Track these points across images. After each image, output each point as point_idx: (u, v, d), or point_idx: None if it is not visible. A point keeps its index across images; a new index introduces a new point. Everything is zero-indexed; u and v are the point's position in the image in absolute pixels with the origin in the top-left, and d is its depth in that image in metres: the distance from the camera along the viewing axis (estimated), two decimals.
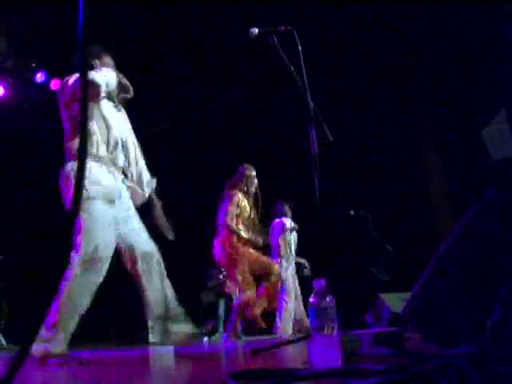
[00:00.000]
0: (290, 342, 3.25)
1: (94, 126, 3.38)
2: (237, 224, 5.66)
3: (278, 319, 7.41)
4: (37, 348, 2.93)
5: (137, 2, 6.84)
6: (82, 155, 1.03)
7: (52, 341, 3.01)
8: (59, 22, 7.03)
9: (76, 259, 3.12)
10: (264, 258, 5.79)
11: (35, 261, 8.23)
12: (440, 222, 8.94)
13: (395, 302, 5.47)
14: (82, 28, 0.99)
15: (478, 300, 1.71)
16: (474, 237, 1.77)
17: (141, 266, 3.40)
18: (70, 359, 3.04)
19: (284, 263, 7.48)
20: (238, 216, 5.68)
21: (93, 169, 3.29)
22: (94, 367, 3.07)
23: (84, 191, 3.16)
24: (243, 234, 5.62)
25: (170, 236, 3.78)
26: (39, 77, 8.23)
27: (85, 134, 1.05)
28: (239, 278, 5.55)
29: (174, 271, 3.59)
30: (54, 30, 7.37)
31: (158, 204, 3.77)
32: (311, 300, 2.00)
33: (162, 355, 3.54)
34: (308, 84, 2.86)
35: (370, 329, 5.35)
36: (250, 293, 5.56)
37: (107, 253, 3.24)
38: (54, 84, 8.30)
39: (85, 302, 3.15)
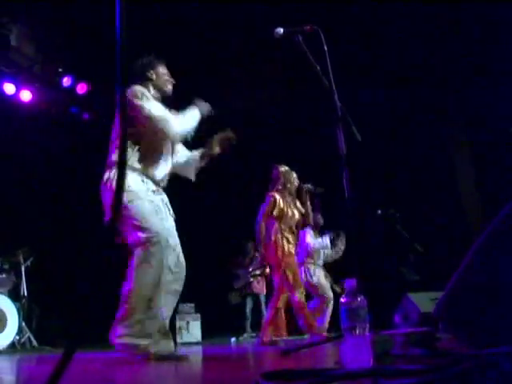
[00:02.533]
0: (322, 342, 3.24)
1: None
2: (280, 226, 5.65)
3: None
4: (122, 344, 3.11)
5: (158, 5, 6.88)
6: (122, 162, 1.04)
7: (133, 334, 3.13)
8: (85, 27, 7.12)
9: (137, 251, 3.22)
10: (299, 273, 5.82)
11: (67, 262, 8.34)
12: (470, 220, 8.82)
13: (424, 301, 5.41)
14: (120, 36, 1.00)
15: None
16: (509, 235, 1.74)
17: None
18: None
19: (311, 268, 7.44)
20: (278, 218, 5.67)
21: (129, 179, 3.33)
22: (124, 367, 3.09)
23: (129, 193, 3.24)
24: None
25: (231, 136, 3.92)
26: (66, 81, 8.34)
27: (124, 147, 1.06)
28: (291, 277, 5.51)
29: (201, 273, 3.60)
30: (81, 35, 7.46)
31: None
32: (342, 300, 1.99)
33: (191, 356, 3.54)
34: (336, 84, 2.85)
35: (398, 329, 5.30)
36: (302, 290, 5.60)
37: (164, 240, 3.28)
38: (81, 88, 8.39)
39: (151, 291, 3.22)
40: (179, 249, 3.44)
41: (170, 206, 3.57)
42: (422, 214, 8.37)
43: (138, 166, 3.41)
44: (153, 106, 3.37)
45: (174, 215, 3.57)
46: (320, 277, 7.43)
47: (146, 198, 3.34)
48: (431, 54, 8.32)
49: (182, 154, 3.87)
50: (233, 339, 8.37)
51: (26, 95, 8.21)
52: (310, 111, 8.36)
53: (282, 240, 5.62)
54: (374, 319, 2.13)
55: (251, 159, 9.67)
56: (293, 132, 9.29)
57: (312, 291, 7.23)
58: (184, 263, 3.46)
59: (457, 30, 7.69)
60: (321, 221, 7.66)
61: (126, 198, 3.23)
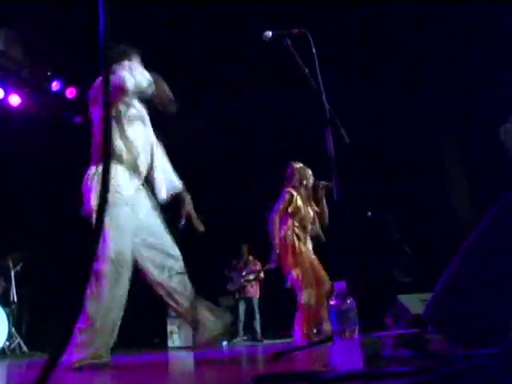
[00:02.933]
0: (312, 344, 3.24)
1: (118, 132, 3.35)
2: (293, 223, 5.59)
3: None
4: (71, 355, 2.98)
5: (153, 5, 6.88)
6: (107, 155, 1.04)
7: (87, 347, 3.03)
8: (74, 31, 7.10)
9: (102, 268, 3.11)
10: (319, 268, 5.64)
11: (56, 268, 8.30)
12: (460, 222, 8.86)
13: (414, 303, 5.43)
14: (103, 29, 0.99)
15: (502, 300, 1.70)
16: (497, 236, 1.75)
17: (161, 274, 3.38)
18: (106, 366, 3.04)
19: None
20: (293, 214, 5.61)
21: (116, 173, 3.25)
22: (114, 373, 3.08)
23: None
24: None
25: (201, 228, 3.77)
26: (55, 85, 8.31)
27: (108, 134, 1.06)
28: (299, 275, 5.43)
29: (193, 275, 3.58)
30: (69, 39, 7.43)
31: (187, 198, 3.73)
32: (332, 302, 1.99)
33: (183, 360, 3.53)
34: (324, 86, 2.86)
35: (390, 331, 5.31)
36: (310, 291, 5.43)
37: (129, 259, 3.21)
38: (70, 92, 8.37)
39: (118, 313, 3.16)
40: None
41: (153, 206, 3.52)
42: (412, 216, 8.40)
43: (125, 155, 3.33)
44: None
45: (157, 209, 3.51)
46: None
47: (128, 204, 3.27)
48: (422, 54, 8.37)
49: (164, 166, 3.69)
50: (224, 343, 8.36)
51: (14, 99, 8.18)
52: (299, 114, 8.38)
53: (293, 237, 5.54)
54: (364, 321, 2.13)
55: (246, 162, 9.69)
56: (282, 134, 9.31)
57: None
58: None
59: (450, 30, 7.73)
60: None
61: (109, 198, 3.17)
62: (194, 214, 3.73)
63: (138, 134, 3.44)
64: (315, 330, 6.26)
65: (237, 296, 9.53)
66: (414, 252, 6.95)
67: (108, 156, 1.05)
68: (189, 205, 3.73)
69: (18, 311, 7.26)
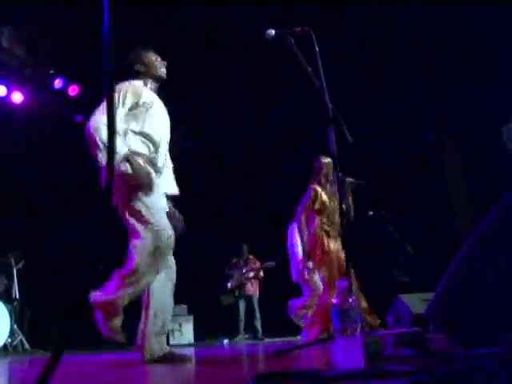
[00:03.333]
0: (313, 343, 3.25)
1: (140, 126, 3.39)
2: (321, 220, 5.52)
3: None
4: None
5: (151, 5, 6.88)
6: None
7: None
8: (77, 29, 7.10)
9: (141, 251, 3.16)
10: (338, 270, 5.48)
11: (58, 265, 8.32)
12: (461, 221, 8.87)
13: (416, 302, 5.43)
14: (107, 32, 1.00)
15: (503, 300, 1.70)
16: (498, 237, 1.75)
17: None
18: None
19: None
20: (320, 211, 5.54)
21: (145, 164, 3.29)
22: (114, 369, 3.09)
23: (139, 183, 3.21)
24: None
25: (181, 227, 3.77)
26: (57, 83, 8.31)
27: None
28: (326, 276, 5.39)
29: (194, 274, 3.59)
30: (72, 37, 7.44)
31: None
32: (334, 301, 1.99)
33: (183, 357, 3.53)
34: (327, 85, 2.86)
35: (392, 330, 5.31)
36: (332, 295, 5.26)
37: (171, 241, 3.27)
38: (72, 90, 8.37)
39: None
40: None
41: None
42: (412, 216, 8.40)
43: (142, 150, 3.36)
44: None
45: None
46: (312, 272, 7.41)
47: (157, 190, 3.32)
48: (424, 53, 8.38)
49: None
50: (225, 341, 8.37)
51: (17, 97, 8.19)
52: (301, 112, 8.38)
53: (321, 234, 5.48)
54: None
55: (247, 161, 9.69)
56: (284, 133, 9.31)
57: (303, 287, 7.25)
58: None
59: (445, 29, 7.73)
60: None
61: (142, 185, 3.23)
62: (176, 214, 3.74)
63: (158, 129, 3.48)
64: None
65: (237, 294, 9.54)
66: (415, 251, 6.95)
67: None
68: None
69: (20, 308, 7.28)
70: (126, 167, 3.17)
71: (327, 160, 5.71)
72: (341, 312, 1.96)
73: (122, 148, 3.19)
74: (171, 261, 3.36)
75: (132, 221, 3.23)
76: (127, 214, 3.26)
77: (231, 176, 9.76)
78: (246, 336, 9.38)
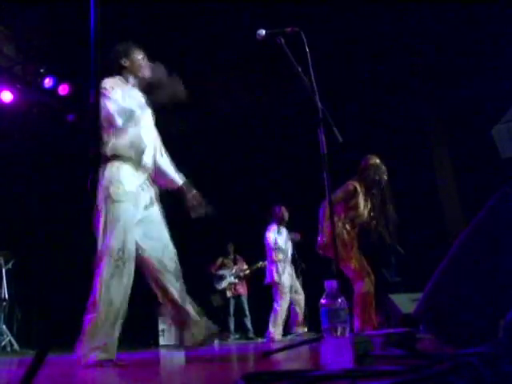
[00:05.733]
0: (302, 343, 3.25)
1: (122, 130, 3.37)
2: (345, 217, 5.29)
3: (270, 324, 7.42)
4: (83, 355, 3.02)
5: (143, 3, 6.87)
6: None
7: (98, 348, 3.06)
8: (67, 28, 7.07)
9: (105, 261, 3.15)
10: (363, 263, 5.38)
11: (48, 265, 8.28)
12: (450, 221, 8.90)
13: (405, 302, 5.45)
14: (94, 29, 1.00)
15: (491, 299, 1.71)
16: (486, 236, 1.76)
17: (158, 267, 3.41)
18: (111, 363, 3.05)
19: (279, 268, 7.48)
20: (350, 209, 5.30)
21: (119, 171, 3.31)
22: (106, 370, 3.07)
23: (108, 192, 3.23)
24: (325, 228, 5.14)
25: (210, 211, 3.78)
26: (47, 82, 8.28)
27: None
28: (356, 266, 5.19)
29: (182, 274, 3.59)
30: (63, 36, 7.41)
31: (189, 190, 3.76)
32: (323, 301, 1.99)
33: (173, 358, 3.53)
34: (317, 85, 2.86)
35: (381, 330, 5.32)
36: (369, 279, 5.22)
37: (132, 253, 3.25)
38: (62, 89, 8.34)
39: (121, 305, 3.18)
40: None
41: (154, 201, 3.54)
42: (402, 216, 8.41)
43: (128, 152, 3.36)
44: (113, 99, 3.29)
45: (159, 208, 3.55)
46: (284, 276, 7.45)
47: (131, 200, 3.31)
48: (416, 53, 8.39)
49: (164, 161, 3.76)
50: (216, 341, 8.36)
51: (7, 96, 8.15)
52: (291, 113, 8.39)
53: (343, 230, 5.25)
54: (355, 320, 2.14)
55: (233, 161, 9.68)
56: (274, 134, 9.31)
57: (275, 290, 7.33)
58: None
59: (439, 28, 7.76)
60: (286, 215, 7.69)
61: (112, 194, 3.23)
62: (199, 201, 3.76)
63: (143, 131, 3.48)
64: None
65: (228, 295, 9.54)
66: (405, 251, 6.97)
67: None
68: (191, 195, 3.76)
69: (10, 309, 7.24)
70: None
71: (375, 161, 5.52)
72: (330, 312, 1.96)
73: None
74: None
75: None
76: None
77: (217, 174, 9.74)
78: (237, 336, 9.38)
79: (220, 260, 9.70)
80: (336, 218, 5.18)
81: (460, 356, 1.27)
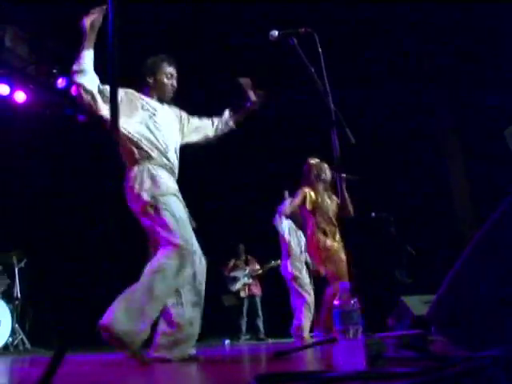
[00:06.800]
0: (315, 344, 3.24)
1: (144, 130, 3.43)
2: (317, 219, 5.50)
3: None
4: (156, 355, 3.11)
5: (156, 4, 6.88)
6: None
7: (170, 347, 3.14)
8: (80, 28, 7.10)
9: (169, 255, 3.18)
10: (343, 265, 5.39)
11: (60, 264, 8.32)
12: (463, 223, 8.86)
13: (417, 304, 5.43)
14: (112, 27, 1.00)
15: (505, 302, 1.70)
16: (501, 238, 1.75)
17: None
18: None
19: (297, 263, 7.41)
20: (314, 211, 5.53)
21: (158, 173, 3.35)
22: (114, 369, 3.09)
23: (159, 190, 3.26)
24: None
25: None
26: (60, 82, 8.31)
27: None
28: (334, 270, 5.32)
29: None
30: (75, 37, 7.44)
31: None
32: (335, 303, 1.99)
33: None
34: (330, 86, 2.86)
35: (393, 332, 5.30)
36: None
37: (194, 246, 3.29)
38: (75, 90, 8.37)
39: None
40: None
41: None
42: (415, 217, 8.39)
43: (159, 158, 3.40)
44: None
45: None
46: (301, 273, 7.41)
47: (173, 195, 3.34)
48: (424, 53, 8.37)
49: (205, 125, 3.92)
50: (227, 341, 8.37)
51: (20, 96, 8.19)
52: (304, 114, 8.37)
53: (318, 234, 5.45)
54: (367, 322, 2.13)
55: (241, 162, 9.68)
56: (287, 135, 9.30)
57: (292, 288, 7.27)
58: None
59: (447, 27, 7.73)
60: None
61: (157, 192, 3.26)
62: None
63: (166, 136, 3.52)
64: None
65: (243, 295, 9.54)
66: (417, 253, 6.95)
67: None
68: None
69: (22, 307, 7.28)
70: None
71: (315, 161, 5.79)
72: (342, 314, 1.96)
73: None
74: None
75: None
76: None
77: (228, 176, 9.74)
78: (248, 336, 9.39)
79: (232, 262, 9.70)
80: (310, 226, 5.50)
81: (474, 359, 1.27)
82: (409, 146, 8.85)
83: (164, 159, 3.43)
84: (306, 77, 2.96)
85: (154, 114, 3.50)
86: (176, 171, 3.57)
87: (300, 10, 6.58)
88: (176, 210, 3.27)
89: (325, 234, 5.49)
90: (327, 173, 5.75)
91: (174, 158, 3.57)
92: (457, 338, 1.92)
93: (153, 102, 3.58)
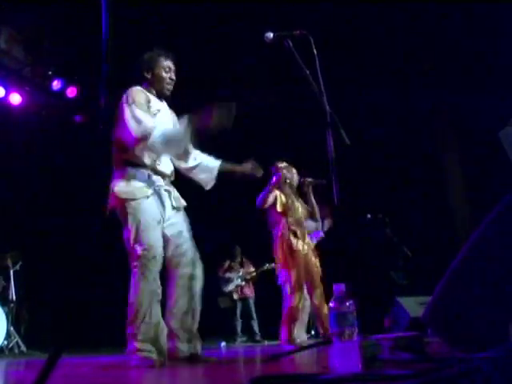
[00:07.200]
0: (310, 347, 3.24)
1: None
2: (287, 221, 5.55)
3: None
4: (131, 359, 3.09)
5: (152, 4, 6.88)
6: None
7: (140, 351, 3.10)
8: (75, 30, 7.10)
9: (136, 263, 3.21)
10: (313, 271, 5.61)
11: (56, 267, 8.30)
12: (458, 224, 8.88)
13: (413, 306, 5.44)
14: (105, 31, 1.00)
15: (500, 303, 1.70)
16: (496, 240, 1.75)
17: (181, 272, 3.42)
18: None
19: None
20: (284, 213, 5.58)
21: (136, 176, 3.36)
22: (111, 372, 3.08)
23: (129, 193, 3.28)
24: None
25: (259, 173, 3.94)
26: (56, 84, 8.31)
27: None
28: (293, 278, 5.37)
29: None
30: (71, 38, 7.44)
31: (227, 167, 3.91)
32: (331, 305, 1.99)
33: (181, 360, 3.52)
34: (325, 88, 2.86)
35: (389, 333, 5.31)
36: (299, 295, 5.41)
37: (158, 251, 3.29)
38: (71, 91, 8.37)
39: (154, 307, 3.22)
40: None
41: (175, 200, 3.55)
42: (411, 219, 8.40)
43: (147, 161, 3.40)
44: (137, 113, 3.28)
45: (180, 206, 3.58)
46: None
47: (144, 194, 3.33)
48: (422, 56, 8.38)
49: (197, 157, 3.81)
50: (223, 343, 8.36)
51: (15, 98, 8.18)
52: (299, 116, 8.38)
53: (289, 235, 5.50)
54: (362, 323, 2.13)
55: (240, 163, 9.66)
56: (282, 137, 9.30)
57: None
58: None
59: (447, 31, 7.74)
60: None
61: (124, 194, 3.28)
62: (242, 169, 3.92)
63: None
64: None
65: (235, 297, 9.54)
66: (413, 254, 6.96)
67: None
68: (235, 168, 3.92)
69: (17, 310, 7.25)
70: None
71: (283, 164, 5.86)
72: (338, 315, 1.95)
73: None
74: None
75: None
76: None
77: (224, 177, 9.73)
78: (244, 338, 9.38)
79: (227, 263, 9.69)
80: (281, 227, 5.56)
81: (470, 360, 1.27)
82: (404, 146, 8.86)
83: (150, 161, 3.45)
84: (301, 78, 2.96)
85: (155, 114, 3.48)
86: (167, 171, 3.57)
87: (295, 12, 6.57)
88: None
89: (295, 235, 5.55)
90: (294, 177, 5.85)
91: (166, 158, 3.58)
92: (453, 339, 1.93)
93: (156, 101, 3.57)
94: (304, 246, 5.56)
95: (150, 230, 3.28)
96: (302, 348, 3.22)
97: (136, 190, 3.31)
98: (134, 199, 3.28)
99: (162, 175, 3.50)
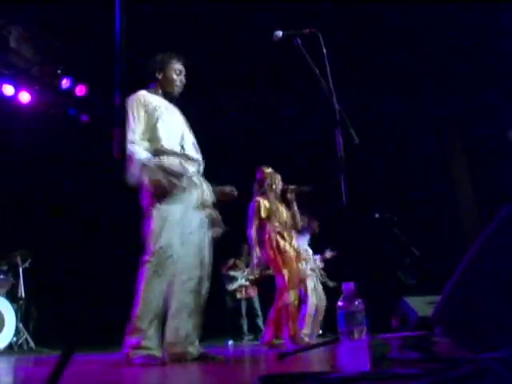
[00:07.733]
0: (318, 345, 3.24)
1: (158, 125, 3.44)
2: (273, 225, 5.59)
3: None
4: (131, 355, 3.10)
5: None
6: None
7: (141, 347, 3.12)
8: (84, 29, 7.12)
9: (148, 260, 3.23)
10: (297, 270, 5.70)
11: (65, 264, 8.33)
12: (467, 223, 8.84)
13: (421, 305, 5.42)
14: (119, 31, 1.00)
15: (510, 303, 1.69)
16: (505, 239, 1.74)
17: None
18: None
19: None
20: (268, 218, 5.61)
21: (169, 160, 3.37)
22: (114, 369, 3.09)
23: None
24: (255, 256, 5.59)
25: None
26: (65, 83, 8.33)
27: None
28: (287, 276, 5.43)
29: None
30: (80, 37, 7.46)
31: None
32: (340, 304, 1.99)
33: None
34: (334, 86, 2.85)
35: (396, 333, 5.30)
36: (294, 293, 5.48)
37: (175, 251, 3.29)
38: (80, 90, 8.39)
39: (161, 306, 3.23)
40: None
41: (207, 193, 3.62)
42: (418, 218, 8.37)
43: (177, 148, 3.44)
44: (133, 124, 3.35)
45: (209, 203, 3.64)
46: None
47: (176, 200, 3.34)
48: (428, 58, 8.34)
49: None
50: (230, 342, 8.37)
51: (24, 97, 8.21)
52: (309, 114, 8.37)
53: (276, 236, 5.55)
54: (371, 323, 2.13)
55: (245, 162, 9.67)
56: (291, 136, 9.29)
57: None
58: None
59: (453, 35, 7.70)
60: (315, 225, 7.65)
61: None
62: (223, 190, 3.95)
63: (174, 130, 3.54)
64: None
65: (239, 296, 9.55)
66: (421, 253, 6.93)
67: None
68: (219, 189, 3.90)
69: (26, 307, 7.29)
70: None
71: (269, 170, 5.91)
72: (347, 314, 1.96)
73: (141, 153, 3.27)
74: None
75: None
76: None
77: (233, 175, 9.74)
78: (251, 337, 9.39)
79: (232, 261, 9.68)
80: (267, 231, 5.59)
81: (479, 361, 1.27)
82: (413, 146, 8.84)
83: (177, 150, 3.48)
84: (310, 77, 2.96)
85: (157, 111, 3.51)
86: (195, 156, 3.64)
87: (305, 10, 6.56)
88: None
89: (282, 237, 5.60)
90: (278, 184, 5.88)
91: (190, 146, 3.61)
92: (461, 339, 1.92)
93: (160, 101, 3.59)
94: (290, 249, 5.62)
95: (173, 229, 3.30)
96: (310, 347, 3.22)
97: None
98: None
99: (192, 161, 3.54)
